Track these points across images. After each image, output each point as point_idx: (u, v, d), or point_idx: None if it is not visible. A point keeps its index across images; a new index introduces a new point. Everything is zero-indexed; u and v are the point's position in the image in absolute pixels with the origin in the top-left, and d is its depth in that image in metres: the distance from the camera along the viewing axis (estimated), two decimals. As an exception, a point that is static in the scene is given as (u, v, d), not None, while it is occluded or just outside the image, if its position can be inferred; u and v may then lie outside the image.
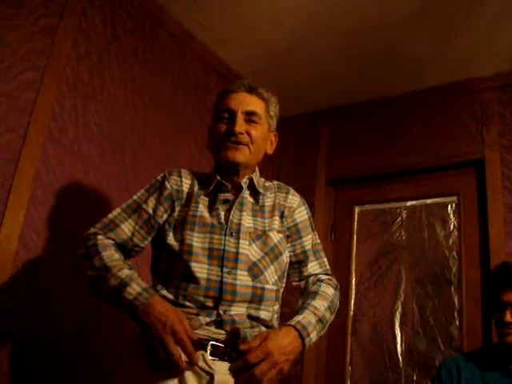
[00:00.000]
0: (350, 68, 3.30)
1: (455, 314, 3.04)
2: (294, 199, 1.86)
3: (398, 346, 3.13)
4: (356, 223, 3.56)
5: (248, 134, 1.71)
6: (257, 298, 1.60)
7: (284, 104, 3.61)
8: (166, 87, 2.92)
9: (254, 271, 1.63)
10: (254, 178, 1.78)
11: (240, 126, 1.70)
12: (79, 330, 2.28)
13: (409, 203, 3.42)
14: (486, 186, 3.05)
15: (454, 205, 3.26)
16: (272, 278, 1.67)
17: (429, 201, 3.36)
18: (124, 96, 2.66)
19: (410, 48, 3.06)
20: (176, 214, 1.69)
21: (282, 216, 1.79)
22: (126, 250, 1.67)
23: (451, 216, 3.25)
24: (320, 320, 1.62)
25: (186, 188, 1.74)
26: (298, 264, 1.82)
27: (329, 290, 1.74)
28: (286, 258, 1.75)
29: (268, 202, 1.80)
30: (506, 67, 3.13)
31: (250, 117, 1.74)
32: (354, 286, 3.41)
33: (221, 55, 3.28)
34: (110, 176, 2.53)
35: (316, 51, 3.17)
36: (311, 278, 1.80)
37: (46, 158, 2.24)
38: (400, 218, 3.42)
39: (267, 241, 1.69)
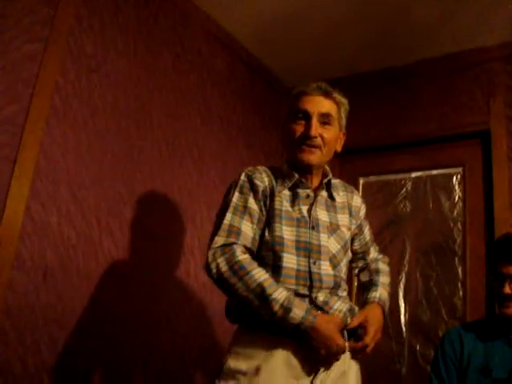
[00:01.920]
0: (354, 38, 3.27)
1: (459, 285, 3.05)
2: (358, 199, 2.05)
3: (402, 316, 3.16)
4: (361, 195, 3.55)
5: (321, 137, 1.85)
6: (337, 285, 1.81)
7: (289, 74, 3.66)
8: (169, 58, 2.89)
9: (334, 262, 1.83)
10: (331, 179, 1.95)
11: (315, 129, 1.84)
12: (87, 300, 2.31)
13: (414, 174, 3.42)
14: (492, 158, 3.03)
15: (459, 176, 3.25)
16: (344, 268, 1.90)
17: (434, 172, 3.35)
18: (128, 68, 2.64)
19: (416, 17, 3.01)
20: (267, 207, 1.83)
21: (350, 214, 1.99)
22: (252, 252, 1.77)
23: (456, 187, 3.24)
24: (388, 294, 1.99)
25: (267, 184, 1.86)
26: (362, 254, 2.10)
27: (386, 268, 2.09)
28: (350, 253, 1.99)
29: (339, 199, 1.97)
30: (514, 36, 3.09)
31: (324, 119, 1.87)
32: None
33: (224, 25, 3.24)
34: (115, 148, 2.52)
35: (320, 20, 3.12)
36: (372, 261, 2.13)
37: (50, 131, 2.24)
38: (405, 190, 3.41)
39: (341, 235, 1.90)
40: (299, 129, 1.86)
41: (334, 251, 1.83)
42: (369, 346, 1.77)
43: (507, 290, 2.11)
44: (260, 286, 1.63)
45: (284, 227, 1.78)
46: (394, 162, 3.47)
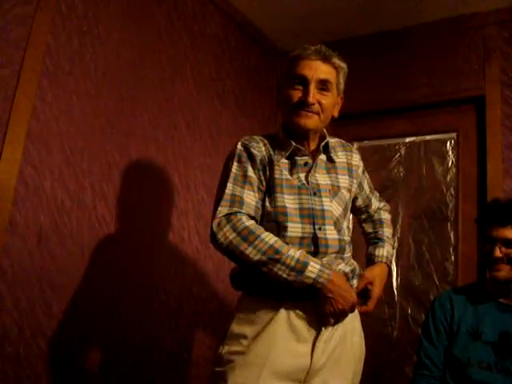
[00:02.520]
0: (351, 1, 3.22)
1: (451, 250, 3.08)
2: (357, 157, 2.03)
3: (394, 280, 3.19)
4: (354, 159, 3.55)
5: (319, 103, 1.82)
6: (342, 249, 1.82)
7: (282, 37, 3.62)
8: (162, 20, 2.85)
9: (338, 225, 1.83)
10: (329, 142, 1.92)
11: (313, 96, 1.80)
12: (81, 265, 2.32)
13: (408, 139, 3.41)
14: (486, 124, 3.02)
15: (452, 141, 3.25)
16: (347, 231, 1.89)
17: (428, 137, 3.35)
18: (120, 30, 2.59)
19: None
20: (267, 176, 1.81)
21: (350, 175, 1.96)
22: (256, 220, 1.76)
23: (450, 153, 3.24)
24: (393, 247, 2.08)
25: (265, 153, 1.84)
26: (365, 207, 2.12)
27: (388, 216, 2.14)
28: (349, 215, 2.00)
29: (338, 159, 1.95)
30: (511, 1, 3.05)
31: (322, 85, 1.83)
32: (351, 221, 3.43)
33: (218, -14, 3.19)
34: (107, 111, 2.50)
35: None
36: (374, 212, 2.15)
37: (42, 94, 2.21)
38: (399, 154, 3.41)
39: (341, 197, 1.89)
40: (296, 94, 1.82)
41: (337, 215, 1.83)
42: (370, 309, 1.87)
43: (497, 253, 2.13)
44: (272, 247, 1.64)
45: (286, 196, 1.77)
46: (388, 126, 3.46)
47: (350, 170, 1.96)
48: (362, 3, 3.23)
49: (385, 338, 3.14)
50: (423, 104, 3.32)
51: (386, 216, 2.12)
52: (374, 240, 2.05)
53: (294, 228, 1.74)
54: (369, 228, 2.11)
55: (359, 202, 2.08)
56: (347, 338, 1.77)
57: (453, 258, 3.05)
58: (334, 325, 1.72)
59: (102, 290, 2.39)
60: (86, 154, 2.38)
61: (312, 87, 1.80)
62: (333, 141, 1.97)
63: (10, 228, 2.05)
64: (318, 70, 1.82)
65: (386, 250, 1.99)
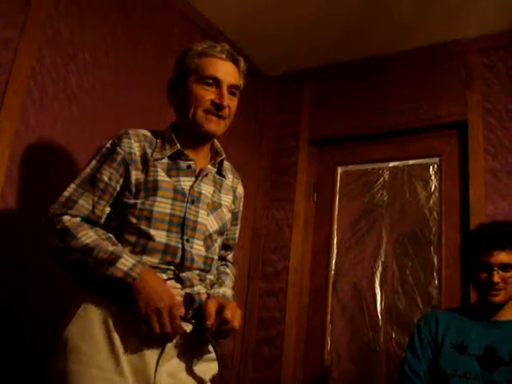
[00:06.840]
0: (335, 28, 3.27)
1: (434, 274, 3.09)
2: (242, 189, 1.98)
3: (378, 304, 3.19)
4: (338, 184, 3.57)
5: (228, 107, 1.74)
6: (207, 268, 1.72)
7: (268, 63, 3.66)
8: (148, 45, 2.87)
9: (208, 242, 1.72)
10: (224, 159, 1.85)
11: (227, 100, 1.72)
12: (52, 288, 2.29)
13: (391, 164, 3.44)
14: (468, 149, 3.07)
15: (435, 166, 3.28)
16: (217, 250, 1.81)
17: (411, 162, 3.38)
18: (105, 55, 2.61)
19: (395, 8, 3.02)
20: (133, 178, 1.65)
21: (234, 197, 1.90)
22: (92, 223, 1.62)
23: (433, 177, 3.27)
24: (233, 295, 1.80)
25: (137, 151, 1.69)
26: (224, 247, 1.94)
27: (234, 271, 1.95)
28: (225, 236, 1.89)
29: (228, 180, 1.88)
30: (492, 29, 3.12)
31: (232, 89, 1.75)
32: (335, 246, 3.44)
33: (204, 12, 3.21)
34: (92, 137, 2.48)
35: (301, 10, 3.12)
36: (223, 261, 1.97)
37: (25, 118, 2.21)
38: (382, 179, 3.43)
39: (221, 215, 1.79)
40: (208, 95, 1.71)
41: (211, 230, 1.73)
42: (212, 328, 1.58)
43: (496, 278, 2.13)
44: (87, 245, 1.52)
45: (158, 199, 1.63)
46: (371, 151, 3.49)
47: (234, 193, 1.90)
48: (347, 30, 3.28)
49: (369, 362, 3.13)
50: (406, 129, 3.35)
51: (233, 271, 1.94)
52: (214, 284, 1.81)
53: (159, 234, 1.61)
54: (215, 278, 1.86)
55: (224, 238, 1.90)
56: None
57: (436, 281, 3.06)
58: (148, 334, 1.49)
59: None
60: (68, 177, 2.36)
61: (225, 90, 1.72)
62: (227, 163, 1.90)
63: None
64: (230, 73, 1.75)
65: (223, 289, 1.76)
